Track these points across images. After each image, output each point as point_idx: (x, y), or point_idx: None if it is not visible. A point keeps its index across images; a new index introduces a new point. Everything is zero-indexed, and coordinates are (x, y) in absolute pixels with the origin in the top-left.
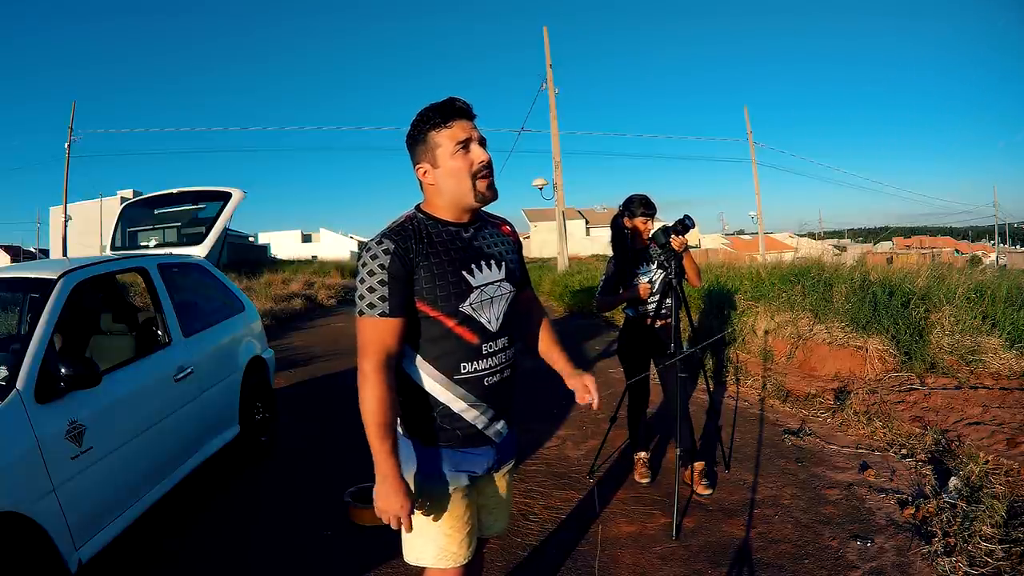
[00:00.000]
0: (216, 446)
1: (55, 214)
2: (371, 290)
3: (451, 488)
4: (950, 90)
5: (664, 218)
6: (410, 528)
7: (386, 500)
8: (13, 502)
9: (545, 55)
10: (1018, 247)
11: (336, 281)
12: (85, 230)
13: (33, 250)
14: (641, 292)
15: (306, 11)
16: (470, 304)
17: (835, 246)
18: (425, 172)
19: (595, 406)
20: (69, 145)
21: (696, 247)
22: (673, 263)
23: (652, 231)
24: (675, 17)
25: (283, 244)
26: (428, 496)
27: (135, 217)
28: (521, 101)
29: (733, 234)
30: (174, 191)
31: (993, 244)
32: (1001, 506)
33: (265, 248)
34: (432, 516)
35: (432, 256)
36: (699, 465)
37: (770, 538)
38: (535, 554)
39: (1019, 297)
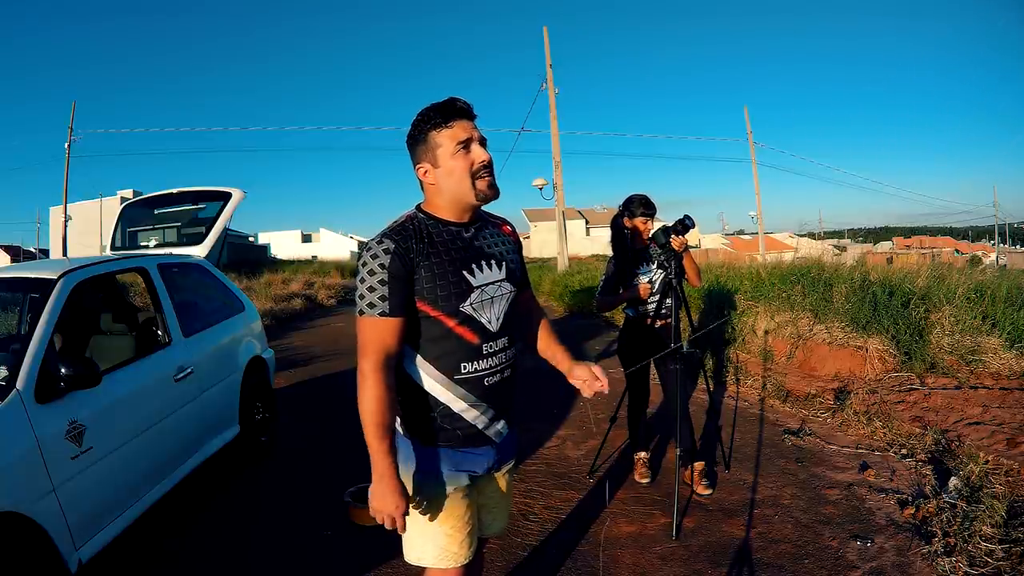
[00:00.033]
0: (216, 446)
1: (55, 214)
2: (371, 289)
3: (451, 488)
4: (950, 90)
5: (664, 218)
6: (403, 529)
7: (381, 500)
8: (13, 502)
9: (545, 55)
10: (1018, 247)
11: (336, 281)
12: (85, 230)
13: (33, 250)
14: (641, 292)
15: (306, 11)
16: (471, 304)
17: (835, 246)
18: (426, 172)
19: (605, 389)
20: (69, 145)
21: (696, 247)
22: (673, 263)
23: (652, 231)
24: (675, 17)
25: (283, 244)
26: (428, 496)
27: (135, 217)
28: (521, 101)
29: (733, 234)
30: (174, 191)
31: (993, 244)
32: (1001, 506)
33: (265, 248)
34: (432, 516)
35: (433, 256)
36: (699, 465)
37: (770, 538)
38: (535, 554)
39: (1019, 297)
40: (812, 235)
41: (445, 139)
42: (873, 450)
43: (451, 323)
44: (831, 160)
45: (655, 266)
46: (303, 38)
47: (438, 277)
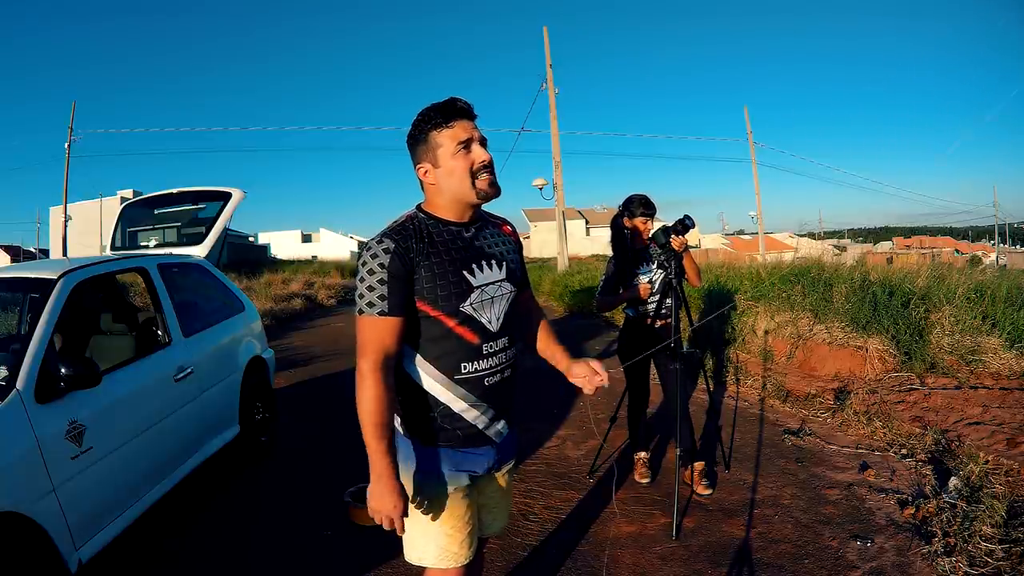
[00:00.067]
0: (216, 446)
1: (55, 214)
2: (371, 289)
3: (452, 488)
4: (950, 90)
5: (664, 218)
6: (402, 530)
7: (380, 500)
8: (13, 502)
9: (545, 55)
10: (1018, 247)
11: (336, 281)
12: (85, 230)
13: (33, 250)
14: (641, 292)
15: (306, 11)
16: (471, 304)
17: (835, 246)
18: (426, 172)
19: (605, 382)
20: (69, 145)
21: (696, 247)
22: (673, 263)
23: (652, 231)
24: (675, 17)
25: (283, 244)
26: (428, 496)
27: (135, 217)
28: (521, 101)
29: (733, 234)
30: (174, 191)
31: (993, 244)
32: (1001, 506)
33: (265, 248)
34: (433, 516)
35: (433, 256)
36: (699, 465)
37: (770, 538)
38: (535, 554)
39: (1019, 297)
40: (812, 235)
41: (446, 139)
42: (873, 450)
43: (451, 323)
44: (831, 160)
45: (655, 266)
46: (303, 38)
47: (438, 277)
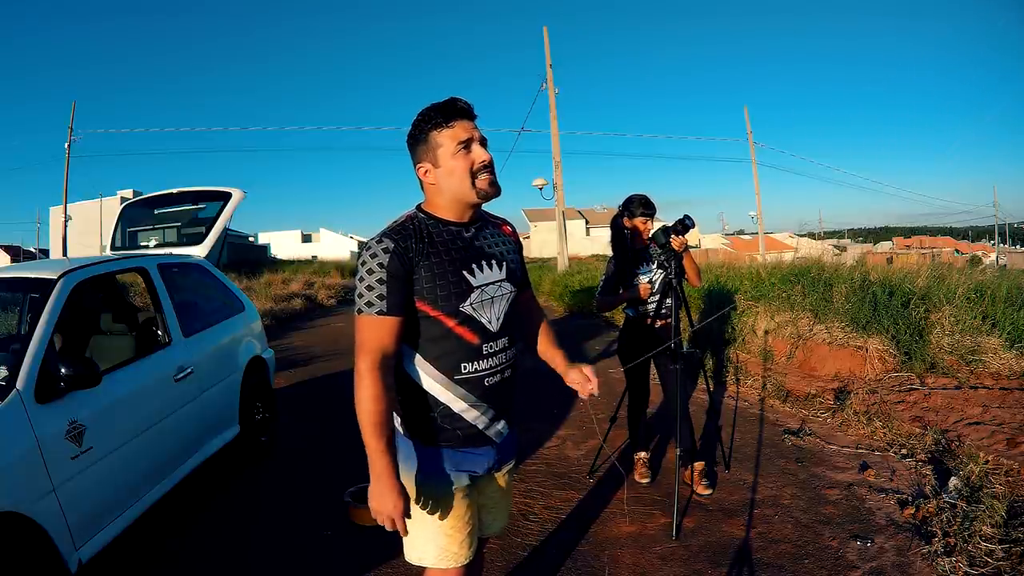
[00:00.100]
0: (216, 446)
1: (55, 214)
2: (370, 288)
3: (452, 488)
4: (950, 90)
5: (664, 218)
6: (404, 530)
7: (380, 500)
8: (13, 502)
9: (545, 55)
10: (1018, 247)
11: (336, 281)
12: (85, 230)
13: (33, 250)
14: (641, 292)
15: (306, 11)
16: (471, 304)
17: (835, 246)
18: (426, 172)
19: (595, 390)
20: (69, 145)
21: (696, 247)
22: (673, 263)
23: (652, 231)
24: (675, 17)
25: (283, 244)
26: (429, 496)
27: (135, 217)
28: (521, 101)
29: (733, 234)
30: (174, 191)
31: (993, 244)
32: (1001, 506)
33: (265, 248)
34: (433, 516)
35: (433, 255)
36: (699, 465)
37: (770, 538)
38: (535, 554)
39: (1019, 297)
40: (812, 235)
41: (446, 139)
42: (873, 450)
43: (451, 323)
44: (831, 160)
45: (655, 266)
46: (303, 38)
47: (438, 277)
